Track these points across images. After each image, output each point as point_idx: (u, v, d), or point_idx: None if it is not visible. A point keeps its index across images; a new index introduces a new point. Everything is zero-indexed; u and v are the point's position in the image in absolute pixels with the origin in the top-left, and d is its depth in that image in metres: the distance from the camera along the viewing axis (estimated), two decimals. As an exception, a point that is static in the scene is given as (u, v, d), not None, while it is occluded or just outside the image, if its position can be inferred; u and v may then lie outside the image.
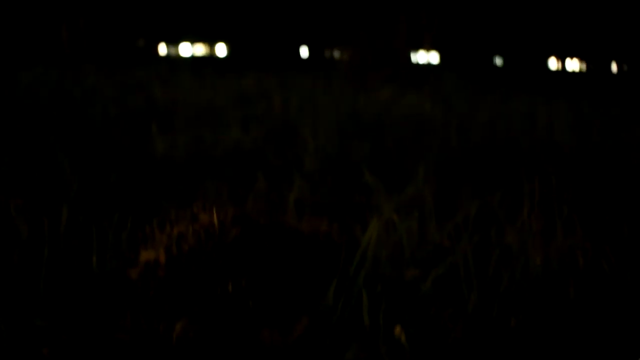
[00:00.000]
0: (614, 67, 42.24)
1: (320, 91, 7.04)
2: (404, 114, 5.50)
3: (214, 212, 1.59)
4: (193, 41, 44.94)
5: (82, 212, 2.41)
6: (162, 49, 40.60)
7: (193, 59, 33.21)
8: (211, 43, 45.36)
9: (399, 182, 3.34)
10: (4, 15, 17.20)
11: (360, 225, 2.47)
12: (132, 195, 2.88)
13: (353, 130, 4.84)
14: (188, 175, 3.45)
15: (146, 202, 2.73)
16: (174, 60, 19.69)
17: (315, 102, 5.89)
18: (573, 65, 47.62)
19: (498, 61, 44.72)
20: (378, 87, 7.59)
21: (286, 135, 4.65)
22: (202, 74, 8.40)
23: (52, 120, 4.81)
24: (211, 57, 35.85)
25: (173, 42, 42.68)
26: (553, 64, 47.22)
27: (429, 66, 16.31)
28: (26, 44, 16.24)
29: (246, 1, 20.72)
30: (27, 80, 6.85)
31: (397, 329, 1.56)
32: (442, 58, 23.35)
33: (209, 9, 25.08)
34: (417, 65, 13.97)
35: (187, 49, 44.04)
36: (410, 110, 5.73)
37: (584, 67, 46.85)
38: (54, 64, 9.27)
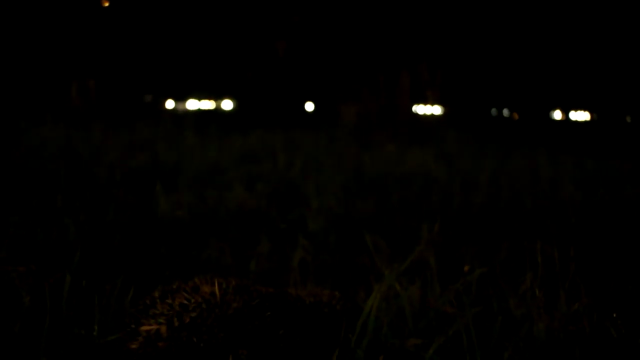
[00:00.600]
0: (622, 118, 42.41)
1: (325, 148, 7.10)
2: (408, 171, 5.53)
3: (216, 283, 1.59)
4: (199, 97, 45.60)
5: (86, 278, 2.41)
6: (170, 104, 41.19)
7: (199, 113, 33.63)
8: (217, 98, 45.99)
9: (403, 243, 3.34)
10: (13, 71, 17.57)
11: (364, 291, 2.46)
12: (135, 260, 2.88)
13: (357, 189, 4.87)
14: (191, 237, 3.46)
15: (149, 267, 2.74)
16: (180, 115, 19.96)
17: (320, 160, 5.94)
18: (579, 115, 47.95)
19: (502, 112, 45.11)
20: (382, 144, 7.66)
21: (290, 194, 4.67)
22: (206, 131, 8.49)
23: (58, 179, 4.85)
24: (217, 112, 36.27)
25: (180, 98, 43.30)
26: (558, 114, 47.59)
27: (432, 118, 16.45)
28: (34, 100, 16.53)
29: (251, 59, 21.08)
30: (36, 138, 6.94)
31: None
32: (445, 110, 23.60)
33: (215, 67, 25.49)
34: (420, 118, 14.11)
35: (194, 104, 44.64)
36: (415, 168, 5.76)
37: (589, 116, 47.15)
38: (62, 121, 9.40)
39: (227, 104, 44.34)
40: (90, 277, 2.47)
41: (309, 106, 37.00)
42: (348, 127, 10.03)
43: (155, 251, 3.09)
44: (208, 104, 45.88)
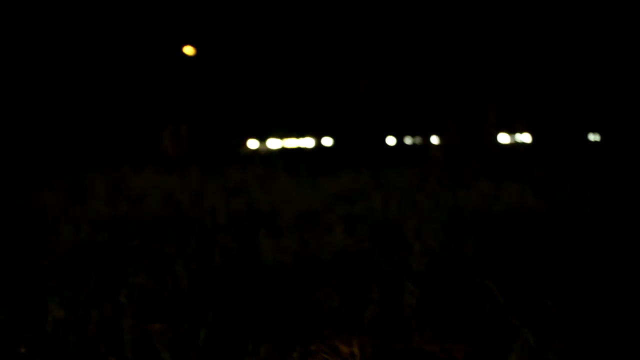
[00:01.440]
0: None
1: (417, 186, 7.05)
2: (506, 208, 5.41)
3: (354, 343, 1.61)
4: (282, 136, 46.45)
5: (215, 335, 2.47)
6: (253, 144, 42.20)
7: (283, 152, 34.19)
8: (298, 136, 46.71)
9: (515, 287, 3.24)
10: (111, 119, 18.51)
11: (496, 344, 2.38)
12: (257, 316, 2.93)
13: (457, 228, 4.80)
14: (298, 283, 3.49)
15: (274, 324, 2.76)
16: (265, 155, 20.40)
17: (414, 199, 5.90)
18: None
19: (593, 137, 43.37)
20: (474, 178, 7.53)
21: (389, 235, 4.65)
22: (295, 171, 8.62)
23: (164, 228, 5.03)
24: (300, 150, 36.79)
25: (262, 137, 44.25)
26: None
27: (521, 147, 16.06)
28: (131, 145, 17.32)
29: (330, 98, 21.37)
30: (137, 187, 7.24)
31: None
32: (534, 138, 22.99)
33: (297, 105, 25.97)
34: (509, 148, 13.82)
35: (276, 143, 45.51)
36: (512, 204, 5.63)
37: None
38: (158, 167, 9.79)
39: (309, 143, 44.95)
40: (220, 336, 2.53)
41: (390, 140, 36.97)
42: (436, 161, 9.95)
43: (268, 300, 3.14)
44: (289, 142, 46.65)
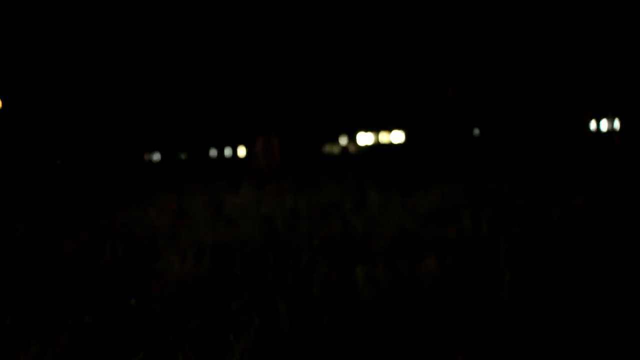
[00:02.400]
0: None
1: (509, 202, 7.04)
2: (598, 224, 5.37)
3: None
4: (369, 130, 46.56)
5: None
6: (343, 140, 42.61)
7: (372, 150, 34.32)
8: (388, 130, 46.70)
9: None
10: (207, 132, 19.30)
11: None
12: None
13: (548, 254, 4.82)
14: (392, 321, 3.66)
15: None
16: (355, 155, 20.67)
17: (507, 221, 5.93)
18: None
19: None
20: (571, 192, 7.42)
21: (479, 264, 4.74)
22: (388, 185, 8.76)
23: (264, 254, 5.32)
24: (389, 147, 36.93)
25: (353, 133, 44.53)
26: None
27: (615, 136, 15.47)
28: (223, 159, 17.98)
29: (420, 92, 21.24)
30: (235, 207, 7.62)
31: None
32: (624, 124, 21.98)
33: (385, 102, 26.01)
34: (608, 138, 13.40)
35: (365, 138, 45.72)
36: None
37: None
38: (253, 182, 10.18)
39: (398, 137, 44.87)
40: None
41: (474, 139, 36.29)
42: (528, 170, 9.82)
43: (365, 341, 3.34)
44: (379, 137, 46.73)
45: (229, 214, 7.48)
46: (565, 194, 7.27)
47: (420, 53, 14.39)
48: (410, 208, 6.95)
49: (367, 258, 5.10)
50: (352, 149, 34.23)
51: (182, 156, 35.33)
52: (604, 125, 19.16)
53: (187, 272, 4.89)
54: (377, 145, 44.17)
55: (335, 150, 36.20)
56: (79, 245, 5.88)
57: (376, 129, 46.10)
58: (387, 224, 6.16)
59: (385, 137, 47.18)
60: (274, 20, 13.46)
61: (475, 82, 13.60)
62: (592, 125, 17.45)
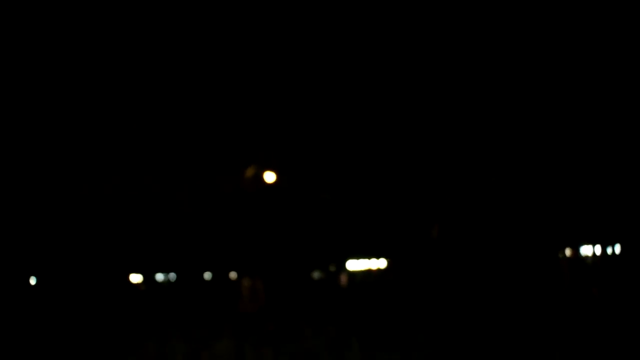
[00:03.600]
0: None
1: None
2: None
3: None
4: (359, 257, 46.37)
5: None
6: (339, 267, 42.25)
7: (363, 277, 33.96)
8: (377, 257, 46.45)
9: None
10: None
11: None
12: None
13: None
14: None
15: None
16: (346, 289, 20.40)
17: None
18: None
19: None
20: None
21: None
22: (371, 339, 8.57)
23: None
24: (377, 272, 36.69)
25: (341, 261, 44.27)
26: None
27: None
28: (206, 300, 17.93)
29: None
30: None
31: None
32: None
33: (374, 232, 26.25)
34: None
35: (355, 265, 45.40)
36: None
37: None
38: (234, 330, 10.03)
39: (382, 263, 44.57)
40: None
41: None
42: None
43: None
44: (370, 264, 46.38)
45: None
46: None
47: (404, 192, 14.76)
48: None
49: None
50: (343, 280, 33.86)
51: (169, 278, 34.63)
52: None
53: None
54: (368, 272, 43.86)
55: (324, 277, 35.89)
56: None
57: (367, 256, 45.90)
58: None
59: (375, 264, 46.86)
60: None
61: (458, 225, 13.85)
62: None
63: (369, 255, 45.97)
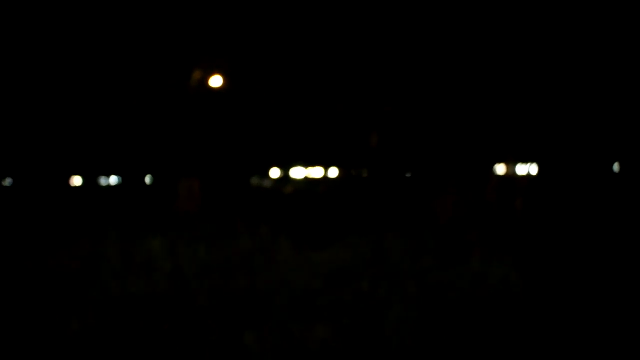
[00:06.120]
0: None
1: (413, 264, 7.36)
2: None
3: None
4: (306, 165, 46.76)
5: None
6: (275, 173, 42.58)
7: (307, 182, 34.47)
8: (325, 167, 46.99)
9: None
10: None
11: None
12: None
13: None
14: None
15: None
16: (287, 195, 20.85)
17: (404, 284, 6.19)
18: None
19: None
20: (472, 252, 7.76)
21: (369, 330, 4.93)
22: (302, 240, 8.89)
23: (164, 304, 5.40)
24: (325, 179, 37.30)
25: (286, 166, 44.54)
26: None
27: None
28: (144, 198, 17.99)
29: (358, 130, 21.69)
30: (145, 253, 7.68)
31: None
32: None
33: (323, 139, 26.38)
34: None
35: (300, 172, 45.87)
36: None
37: None
38: (169, 228, 10.23)
39: (334, 173, 45.24)
40: None
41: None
42: (438, 225, 10.13)
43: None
44: (313, 172, 46.97)
45: (142, 262, 7.55)
46: (467, 253, 7.64)
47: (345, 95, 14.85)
48: (318, 264, 7.17)
49: (263, 319, 5.23)
50: (288, 188, 34.17)
51: (110, 181, 34.51)
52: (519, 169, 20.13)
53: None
54: (312, 181, 44.31)
55: (266, 184, 36.18)
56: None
57: (311, 164, 46.34)
58: (292, 282, 6.34)
59: (320, 172, 47.46)
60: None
61: (396, 133, 14.12)
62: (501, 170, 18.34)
63: (310, 164, 46.24)
